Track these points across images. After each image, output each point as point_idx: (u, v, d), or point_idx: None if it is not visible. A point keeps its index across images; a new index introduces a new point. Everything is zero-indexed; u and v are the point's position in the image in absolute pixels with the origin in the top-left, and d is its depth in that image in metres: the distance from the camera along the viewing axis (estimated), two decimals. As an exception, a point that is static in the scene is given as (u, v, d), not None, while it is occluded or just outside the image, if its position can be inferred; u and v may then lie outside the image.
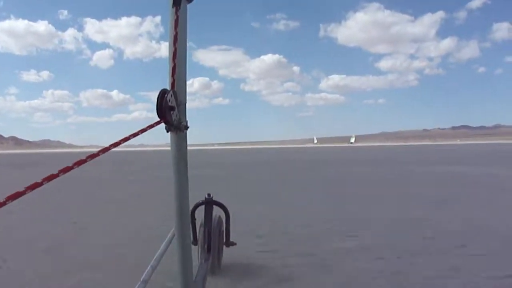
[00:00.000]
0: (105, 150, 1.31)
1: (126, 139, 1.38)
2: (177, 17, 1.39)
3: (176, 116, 1.43)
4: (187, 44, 1.49)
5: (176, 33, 1.40)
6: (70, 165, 1.10)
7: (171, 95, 1.40)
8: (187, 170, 1.54)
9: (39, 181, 0.96)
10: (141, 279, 1.53)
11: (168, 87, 1.44)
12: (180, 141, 1.50)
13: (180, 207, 1.53)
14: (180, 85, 1.47)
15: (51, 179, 0.98)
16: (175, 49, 1.41)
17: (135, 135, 1.42)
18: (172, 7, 1.39)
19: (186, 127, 1.50)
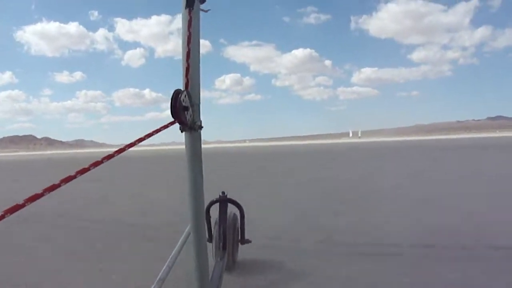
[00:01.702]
0: (121, 151, 1.33)
1: (141, 139, 1.40)
2: (190, 18, 1.39)
3: (190, 116, 1.44)
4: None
5: (190, 33, 1.40)
6: (86, 166, 1.13)
7: (185, 96, 1.40)
8: (202, 169, 1.55)
9: (57, 182, 1.00)
10: (158, 278, 1.56)
11: (182, 88, 1.45)
12: (194, 140, 1.51)
13: (195, 205, 1.54)
14: (194, 86, 1.47)
15: (68, 181, 1.02)
16: (189, 49, 1.41)
17: (150, 135, 1.44)
18: (185, 8, 1.39)
19: (200, 127, 1.50)
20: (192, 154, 1.52)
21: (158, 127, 1.49)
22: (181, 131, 1.49)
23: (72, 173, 1.06)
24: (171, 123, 1.43)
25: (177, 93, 1.39)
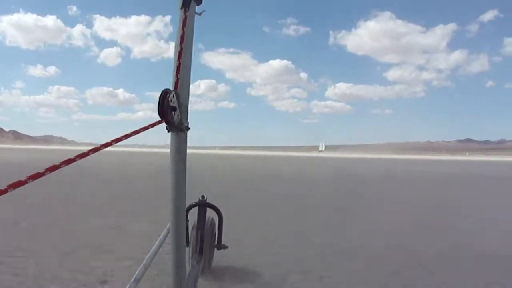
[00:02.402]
0: (107, 145, 1.31)
1: (127, 135, 1.38)
2: (186, 17, 1.39)
3: (178, 116, 1.43)
4: (193, 46, 1.50)
5: (184, 33, 1.40)
6: (57, 164, 1.08)
7: (173, 96, 1.40)
8: (186, 171, 1.54)
9: (24, 179, 0.95)
10: (133, 278, 1.53)
11: (171, 87, 1.44)
12: (180, 141, 1.50)
13: (176, 207, 1.53)
14: (184, 86, 1.47)
15: (37, 178, 0.98)
16: (181, 48, 1.41)
17: (136, 132, 1.42)
18: (181, 8, 1.40)
19: (187, 128, 1.50)
20: (176, 155, 1.51)
21: (146, 125, 1.48)
22: (168, 131, 1.48)
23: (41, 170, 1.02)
24: (158, 122, 1.42)
25: (165, 93, 1.39)
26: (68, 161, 1.10)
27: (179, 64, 1.41)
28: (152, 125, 1.46)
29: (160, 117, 1.40)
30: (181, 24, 1.40)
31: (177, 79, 1.43)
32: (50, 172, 1.02)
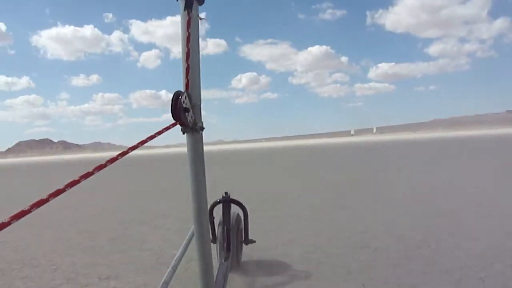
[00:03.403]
0: (124, 153, 1.34)
1: (143, 142, 1.41)
2: (189, 18, 1.39)
3: (191, 117, 1.44)
4: (200, 46, 1.49)
5: (189, 34, 1.40)
6: (90, 170, 1.14)
7: (185, 97, 1.41)
8: (204, 170, 1.55)
9: (61, 187, 1.01)
10: (162, 281, 1.56)
11: (182, 89, 1.45)
12: (196, 142, 1.51)
13: (198, 207, 1.54)
14: (195, 86, 1.47)
15: (73, 185, 1.02)
16: (188, 49, 1.41)
17: (152, 137, 1.44)
18: (184, 10, 1.39)
19: (202, 128, 1.50)
20: (194, 155, 1.52)
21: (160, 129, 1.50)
22: (183, 133, 1.49)
23: (76, 177, 1.08)
24: (173, 125, 1.44)
25: (177, 95, 1.40)
26: (100, 167, 1.16)
27: (188, 65, 1.42)
28: (167, 128, 1.48)
29: (174, 119, 1.41)
30: (186, 25, 1.40)
31: (187, 80, 1.43)
32: (85, 179, 1.07)
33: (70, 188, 1.02)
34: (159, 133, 1.50)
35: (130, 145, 1.40)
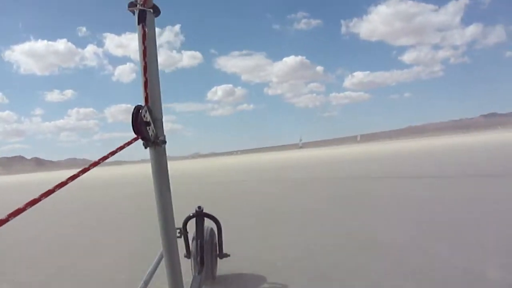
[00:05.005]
0: (86, 170, 1.31)
1: (105, 157, 1.38)
2: (144, 31, 1.38)
3: (153, 131, 1.42)
4: (158, 59, 1.48)
5: (145, 47, 1.39)
6: (51, 188, 1.11)
7: (146, 111, 1.39)
8: (170, 184, 1.53)
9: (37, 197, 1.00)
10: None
11: (142, 103, 1.43)
12: (159, 156, 1.49)
13: (165, 222, 1.52)
14: (155, 100, 1.46)
15: (34, 204, 1.00)
16: (145, 63, 1.40)
17: (113, 153, 1.42)
18: (138, 24, 1.38)
19: (164, 142, 1.49)
20: (158, 169, 1.50)
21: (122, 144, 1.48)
22: (145, 147, 1.47)
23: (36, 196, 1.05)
24: (134, 139, 1.42)
25: (137, 109, 1.38)
26: (62, 184, 1.13)
27: (146, 79, 1.40)
28: (129, 143, 1.46)
29: (135, 133, 1.39)
30: (142, 39, 1.38)
31: (147, 94, 1.42)
32: (45, 197, 1.04)
33: (30, 206, 1.00)
34: (121, 148, 1.47)
35: (107, 161, 1.38)
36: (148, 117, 1.39)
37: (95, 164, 1.33)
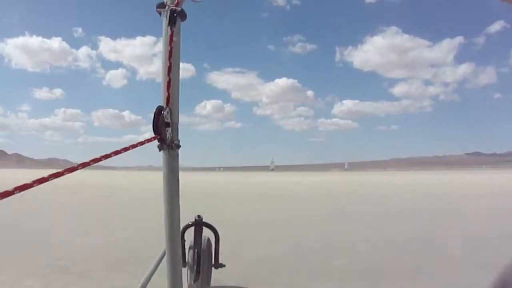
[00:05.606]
0: (97, 160, 1.27)
1: (117, 152, 1.34)
2: (172, 32, 1.39)
3: (170, 134, 1.41)
4: (180, 64, 1.48)
5: (171, 48, 1.40)
6: (45, 176, 1.07)
7: (168, 112, 1.39)
8: (179, 189, 1.51)
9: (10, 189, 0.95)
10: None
11: (163, 104, 1.43)
12: (172, 160, 1.47)
13: (171, 227, 1.49)
14: (174, 103, 1.46)
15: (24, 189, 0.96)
16: (170, 64, 1.40)
17: (126, 149, 1.38)
18: (168, 25, 1.39)
19: (178, 146, 1.47)
20: (169, 173, 1.47)
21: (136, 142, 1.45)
22: (159, 150, 1.45)
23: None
24: (152, 139, 1.40)
25: (159, 109, 1.38)
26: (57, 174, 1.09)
27: (169, 79, 1.40)
28: (148, 141, 1.43)
29: (155, 133, 1.37)
30: (169, 39, 1.39)
31: (168, 94, 1.41)
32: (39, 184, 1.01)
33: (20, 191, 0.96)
34: (134, 146, 1.43)
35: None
36: (169, 118, 1.39)
37: (107, 156, 1.29)
